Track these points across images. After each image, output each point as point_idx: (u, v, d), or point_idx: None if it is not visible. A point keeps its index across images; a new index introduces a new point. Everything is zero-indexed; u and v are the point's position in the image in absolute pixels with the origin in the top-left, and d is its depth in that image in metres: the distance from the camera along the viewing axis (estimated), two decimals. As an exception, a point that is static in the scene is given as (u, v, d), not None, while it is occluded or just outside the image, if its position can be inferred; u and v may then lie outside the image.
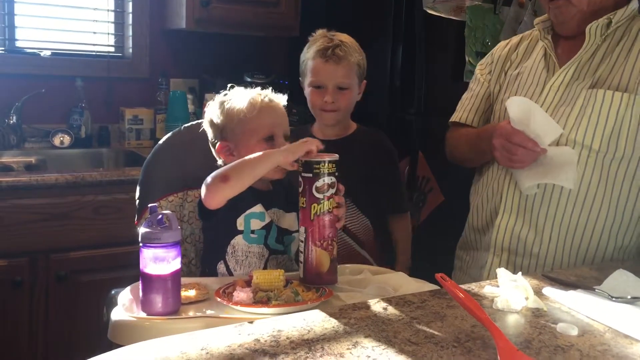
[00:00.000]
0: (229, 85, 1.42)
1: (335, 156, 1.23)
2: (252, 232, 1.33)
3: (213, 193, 1.23)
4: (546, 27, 1.57)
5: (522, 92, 1.54)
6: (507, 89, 1.62)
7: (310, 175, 1.21)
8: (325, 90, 1.75)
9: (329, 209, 1.22)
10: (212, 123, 1.39)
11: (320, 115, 1.79)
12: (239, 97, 1.37)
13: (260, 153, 1.25)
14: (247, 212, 1.33)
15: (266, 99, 1.37)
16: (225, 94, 1.40)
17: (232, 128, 1.35)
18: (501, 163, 1.46)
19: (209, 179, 1.24)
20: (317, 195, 1.22)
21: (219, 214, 1.29)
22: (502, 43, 1.74)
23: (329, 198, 1.22)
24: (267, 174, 1.27)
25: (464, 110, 1.72)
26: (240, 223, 1.33)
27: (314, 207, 1.22)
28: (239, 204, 1.31)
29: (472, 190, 1.70)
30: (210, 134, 1.41)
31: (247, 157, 1.25)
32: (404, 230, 1.87)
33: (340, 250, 1.72)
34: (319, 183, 1.21)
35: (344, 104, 1.76)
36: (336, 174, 1.23)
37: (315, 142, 1.23)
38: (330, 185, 1.22)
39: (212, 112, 1.39)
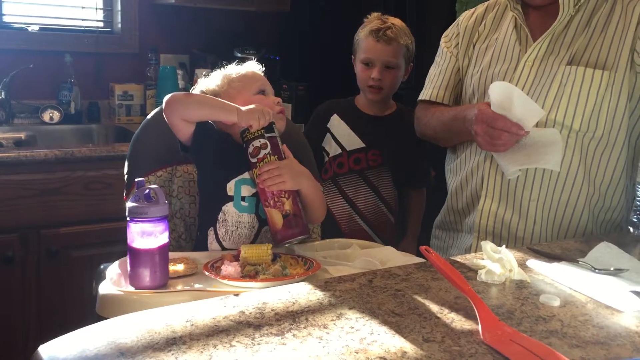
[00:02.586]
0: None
1: None
2: (243, 199, 1.34)
3: (171, 103, 1.31)
4: None
5: (495, 68, 1.51)
6: (476, 63, 1.58)
7: (243, 145, 1.31)
8: (373, 67, 1.92)
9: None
10: (207, 92, 1.45)
11: (367, 90, 1.96)
12: (224, 70, 1.48)
13: (228, 103, 1.32)
14: (239, 177, 1.35)
15: (246, 65, 1.49)
16: (206, 75, 1.50)
17: (225, 90, 1.43)
18: (484, 148, 1.42)
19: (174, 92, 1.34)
20: (252, 160, 1.31)
21: (205, 172, 1.37)
22: (468, 13, 1.68)
23: (262, 159, 1.30)
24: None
25: (434, 87, 1.66)
26: (230, 188, 1.35)
27: (254, 171, 1.31)
28: (231, 167, 1.35)
29: (447, 169, 1.68)
30: None
31: (216, 98, 1.35)
32: (420, 204, 2.06)
33: (374, 215, 1.94)
34: (250, 149, 1.31)
35: (389, 82, 1.93)
36: (266, 134, 1.30)
37: (264, 117, 1.30)
38: (261, 147, 1.30)
39: (204, 83, 1.47)
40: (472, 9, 1.68)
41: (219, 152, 1.36)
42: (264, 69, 1.50)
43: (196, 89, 1.47)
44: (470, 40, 1.62)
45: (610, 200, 1.48)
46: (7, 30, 2.58)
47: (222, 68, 1.48)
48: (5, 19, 2.61)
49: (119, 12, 2.77)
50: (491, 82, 1.42)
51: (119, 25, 2.79)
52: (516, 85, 1.42)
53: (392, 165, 1.96)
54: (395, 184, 1.99)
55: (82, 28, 2.76)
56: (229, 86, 1.42)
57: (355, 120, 1.98)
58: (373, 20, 1.95)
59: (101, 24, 2.81)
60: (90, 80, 2.72)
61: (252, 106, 1.31)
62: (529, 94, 1.42)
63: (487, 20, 1.61)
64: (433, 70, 1.70)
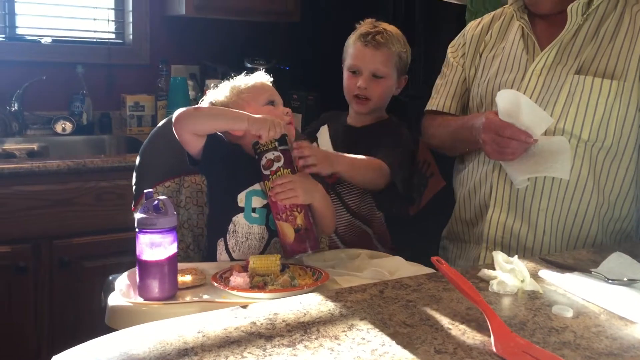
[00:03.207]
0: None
1: None
2: (254, 210, 1.34)
3: (181, 118, 1.30)
4: (520, 6, 1.53)
5: (503, 77, 1.51)
6: (483, 72, 1.58)
7: (255, 156, 1.30)
8: (360, 75, 1.73)
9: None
10: (216, 104, 1.45)
11: (352, 101, 1.77)
12: (233, 81, 1.47)
13: (238, 112, 1.33)
14: (249, 188, 1.35)
15: (255, 76, 1.48)
16: (216, 87, 1.49)
17: (234, 101, 1.42)
18: (492, 157, 1.42)
19: (182, 108, 1.32)
20: (265, 172, 1.30)
21: (215, 183, 1.37)
22: (474, 23, 1.68)
23: (275, 172, 1.29)
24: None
25: (440, 97, 1.66)
26: (241, 199, 1.35)
27: (266, 184, 1.30)
28: (242, 178, 1.35)
29: (455, 179, 1.67)
30: None
31: (225, 108, 1.35)
32: (374, 160, 1.62)
33: (348, 230, 1.73)
34: (262, 161, 1.30)
35: (376, 93, 1.73)
36: (280, 147, 1.29)
37: (275, 129, 1.27)
38: (275, 160, 1.29)
39: (213, 94, 1.47)
40: (479, 19, 1.69)
41: (230, 164, 1.36)
42: (272, 79, 1.49)
43: (205, 101, 1.47)
44: (477, 50, 1.62)
45: (620, 210, 1.47)
46: (21, 43, 2.61)
47: (230, 79, 1.48)
48: (19, 31, 2.65)
49: (130, 24, 2.80)
50: (499, 91, 1.42)
51: (130, 37, 2.82)
52: (524, 95, 1.42)
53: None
54: (378, 202, 1.74)
55: (94, 40, 2.79)
56: (238, 97, 1.42)
57: (337, 130, 1.85)
58: (364, 25, 1.78)
59: (113, 36, 2.84)
60: (102, 92, 2.75)
61: (263, 115, 1.31)
62: (537, 103, 1.41)
63: (494, 29, 1.61)
64: (439, 81, 1.70)
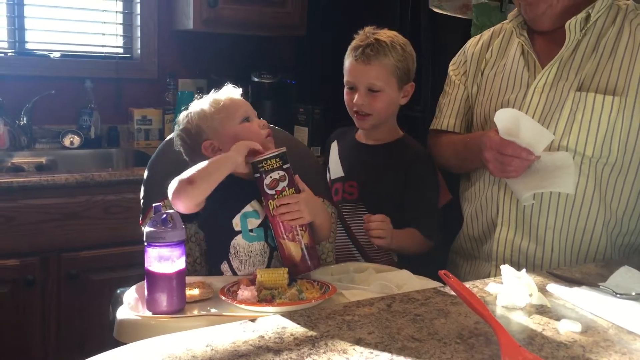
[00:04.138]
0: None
1: (282, 149, 1.29)
2: (251, 230, 1.34)
3: (181, 197, 1.25)
4: (520, 22, 1.53)
5: (505, 95, 1.51)
6: (485, 90, 1.58)
7: (258, 175, 1.27)
8: (356, 91, 1.67)
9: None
10: (188, 134, 1.40)
11: (354, 118, 1.71)
12: (200, 103, 1.42)
13: (219, 156, 1.30)
14: (242, 211, 1.34)
15: (224, 92, 1.43)
16: (185, 109, 1.43)
17: (208, 126, 1.37)
18: (496, 175, 1.43)
19: (173, 184, 1.26)
20: (269, 192, 1.28)
21: (207, 213, 1.32)
22: (474, 40, 1.69)
23: (281, 191, 1.27)
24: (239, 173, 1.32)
25: (444, 116, 1.67)
26: (236, 224, 1.33)
27: (271, 203, 1.28)
28: (232, 202, 1.33)
29: (462, 196, 1.66)
30: (186, 147, 1.41)
31: (207, 161, 1.29)
32: (414, 236, 1.61)
33: (343, 256, 1.66)
34: (267, 180, 1.27)
35: (377, 107, 1.65)
36: (284, 166, 1.28)
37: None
38: (280, 179, 1.27)
39: (185, 121, 1.41)
40: (478, 36, 1.70)
41: (220, 195, 1.30)
42: (241, 90, 1.44)
43: (179, 125, 1.41)
44: (478, 67, 1.63)
45: (627, 225, 1.46)
46: (30, 57, 2.64)
47: (199, 97, 1.43)
48: (28, 46, 2.67)
49: (139, 39, 2.83)
50: (496, 111, 1.42)
51: (139, 52, 2.84)
52: (526, 113, 1.42)
53: (370, 203, 1.67)
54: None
55: (103, 54, 2.81)
56: (212, 119, 1.37)
57: (346, 147, 1.80)
58: (358, 36, 1.69)
59: (121, 51, 2.87)
60: (110, 105, 2.77)
61: (239, 144, 1.29)
62: (540, 120, 1.41)
63: (494, 46, 1.62)
64: (442, 100, 1.71)
